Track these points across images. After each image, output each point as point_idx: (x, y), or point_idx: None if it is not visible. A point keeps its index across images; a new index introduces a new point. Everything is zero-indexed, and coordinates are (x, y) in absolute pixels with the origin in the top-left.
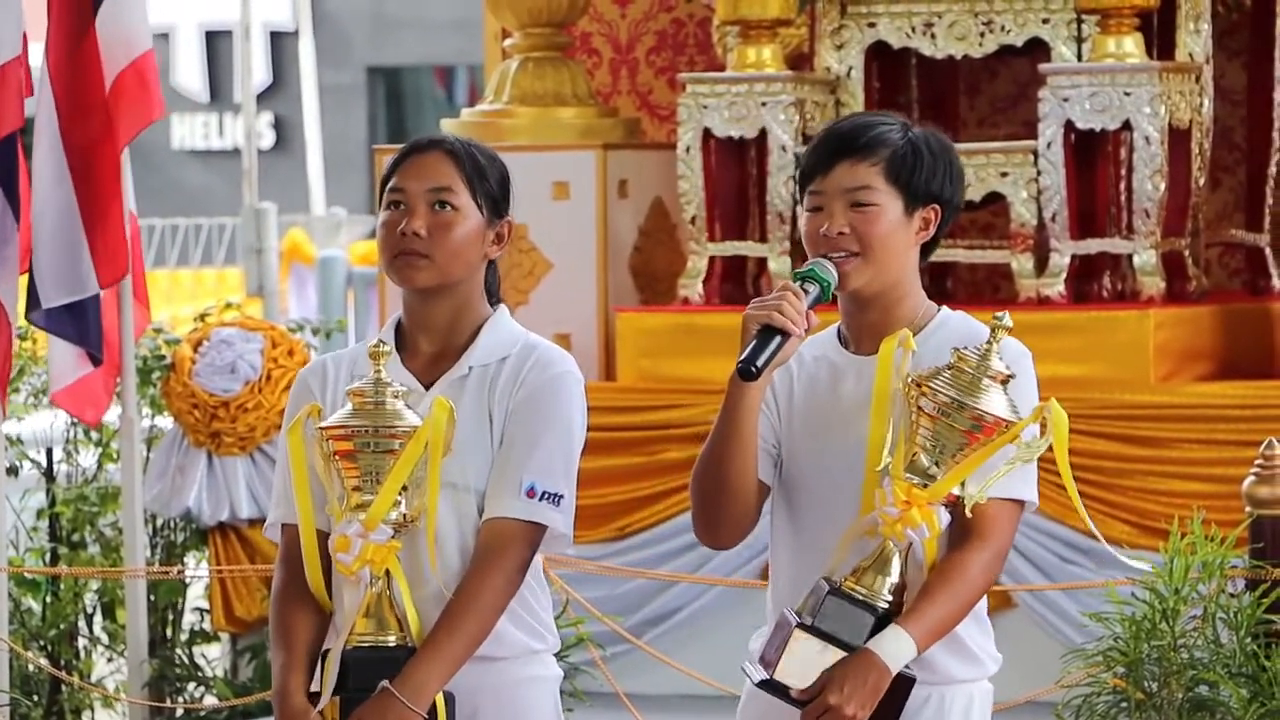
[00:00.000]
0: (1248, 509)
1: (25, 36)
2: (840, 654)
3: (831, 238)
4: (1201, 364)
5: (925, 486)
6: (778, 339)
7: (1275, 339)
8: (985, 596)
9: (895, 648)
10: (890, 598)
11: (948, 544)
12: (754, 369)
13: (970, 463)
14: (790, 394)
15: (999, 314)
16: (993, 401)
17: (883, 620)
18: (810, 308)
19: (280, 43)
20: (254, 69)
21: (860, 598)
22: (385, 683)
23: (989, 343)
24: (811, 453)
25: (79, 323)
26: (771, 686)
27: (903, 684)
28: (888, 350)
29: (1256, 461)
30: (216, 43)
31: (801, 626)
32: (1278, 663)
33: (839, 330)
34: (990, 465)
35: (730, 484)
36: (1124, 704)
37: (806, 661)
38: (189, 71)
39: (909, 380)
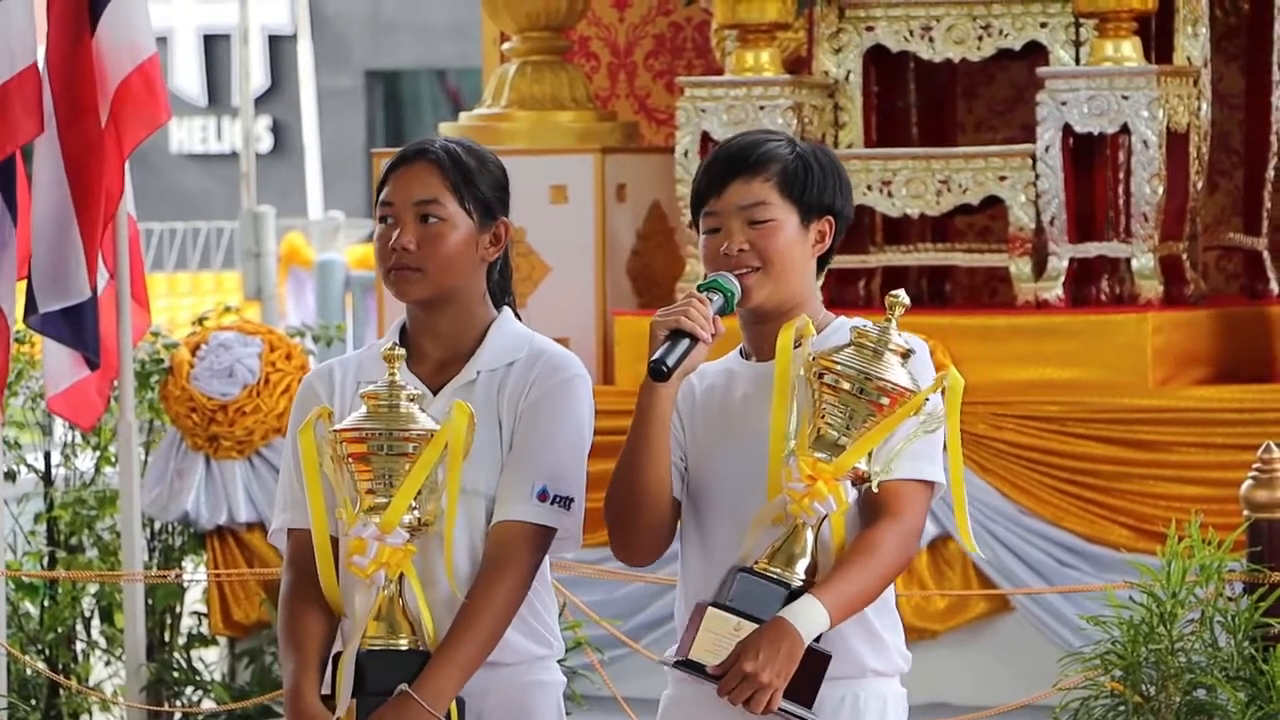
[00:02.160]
0: (1245, 512)
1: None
2: (754, 627)
3: (732, 256)
4: (1199, 368)
5: (831, 461)
6: (686, 341)
7: (1273, 343)
8: (894, 594)
9: (808, 615)
10: (804, 577)
11: (861, 527)
12: (665, 368)
13: (875, 433)
14: (692, 406)
15: (894, 292)
16: (896, 373)
17: (795, 596)
18: (715, 316)
19: (279, 46)
20: (252, 72)
21: (773, 577)
22: (404, 686)
23: (887, 319)
24: (715, 456)
25: (75, 326)
26: (688, 666)
27: (819, 660)
28: (786, 338)
29: (1254, 465)
30: (215, 46)
31: (715, 605)
32: (1275, 666)
33: (741, 347)
34: (895, 439)
35: (645, 495)
36: (1121, 708)
37: (720, 637)
38: (187, 75)
39: (810, 358)
